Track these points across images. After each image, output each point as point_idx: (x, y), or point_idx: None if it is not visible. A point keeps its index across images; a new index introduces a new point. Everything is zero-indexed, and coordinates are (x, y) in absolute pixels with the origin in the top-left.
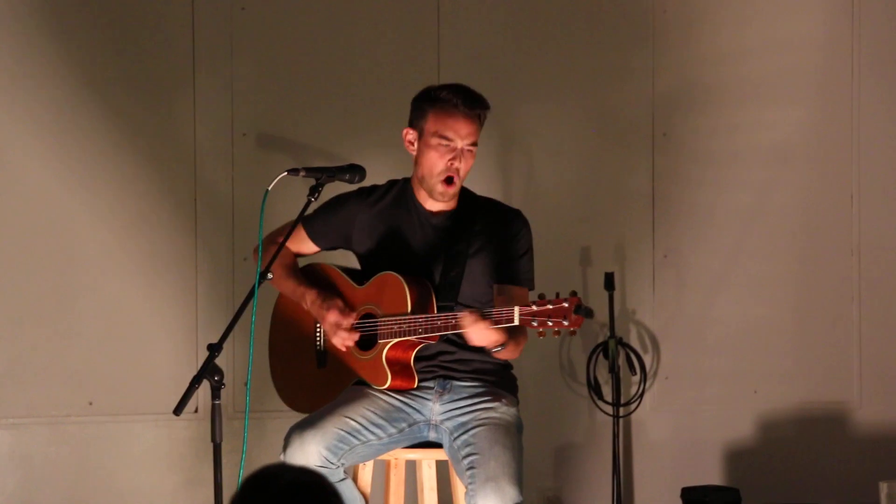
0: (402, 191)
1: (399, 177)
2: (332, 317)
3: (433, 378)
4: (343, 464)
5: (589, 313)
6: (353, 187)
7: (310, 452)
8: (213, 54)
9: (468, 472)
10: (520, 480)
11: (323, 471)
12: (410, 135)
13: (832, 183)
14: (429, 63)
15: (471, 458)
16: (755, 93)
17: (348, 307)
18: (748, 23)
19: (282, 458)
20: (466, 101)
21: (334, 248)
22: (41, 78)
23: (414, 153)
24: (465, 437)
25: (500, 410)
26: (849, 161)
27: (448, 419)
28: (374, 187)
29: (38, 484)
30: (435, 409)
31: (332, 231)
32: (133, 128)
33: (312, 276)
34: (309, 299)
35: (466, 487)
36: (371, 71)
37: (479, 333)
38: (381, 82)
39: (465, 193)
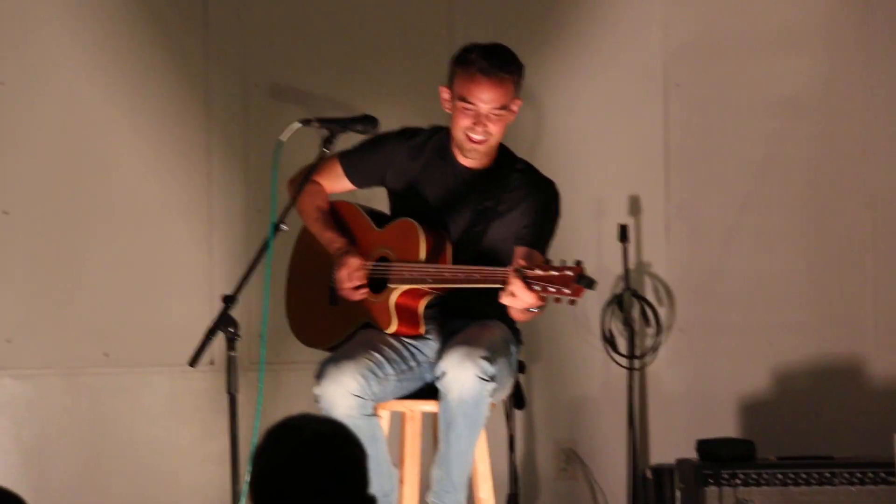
0: (442, 142)
1: (411, 126)
2: (343, 273)
3: (436, 326)
4: (374, 394)
5: (591, 284)
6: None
7: (346, 381)
8: (224, 5)
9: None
10: (495, 363)
11: (357, 401)
12: (445, 93)
13: (845, 134)
14: (441, 12)
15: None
16: (769, 43)
17: (363, 252)
18: None
19: (315, 390)
20: (492, 66)
21: (368, 187)
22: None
23: (449, 111)
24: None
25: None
26: (863, 112)
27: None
28: (417, 130)
29: (54, 435)
30: (436, 347)
31: (369, 170)
32: (144, 80)
33: (334, 214)
34: (333, 247)
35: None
36: (383, 20)
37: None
38: (394, 32)
39: (503, 154)
